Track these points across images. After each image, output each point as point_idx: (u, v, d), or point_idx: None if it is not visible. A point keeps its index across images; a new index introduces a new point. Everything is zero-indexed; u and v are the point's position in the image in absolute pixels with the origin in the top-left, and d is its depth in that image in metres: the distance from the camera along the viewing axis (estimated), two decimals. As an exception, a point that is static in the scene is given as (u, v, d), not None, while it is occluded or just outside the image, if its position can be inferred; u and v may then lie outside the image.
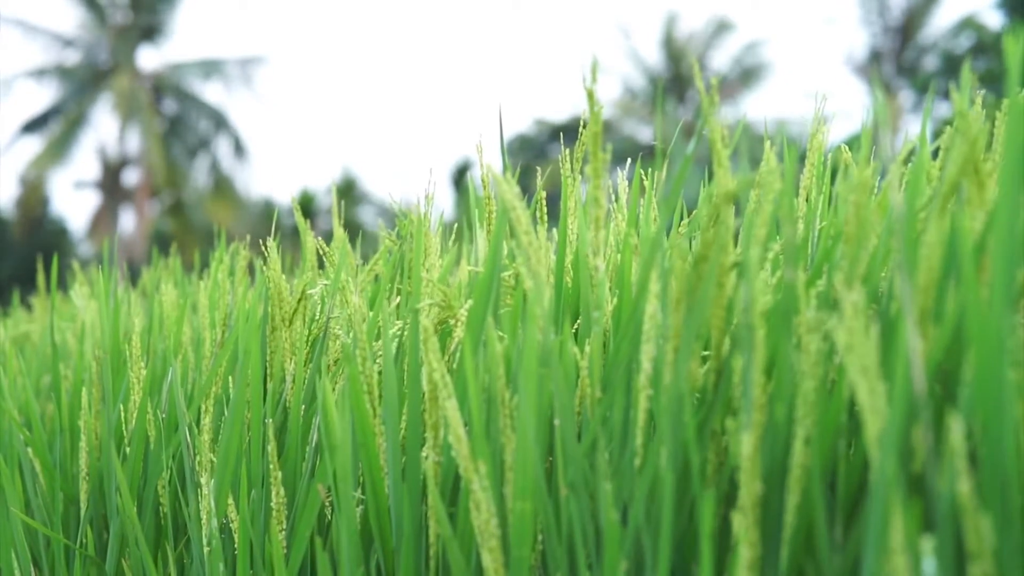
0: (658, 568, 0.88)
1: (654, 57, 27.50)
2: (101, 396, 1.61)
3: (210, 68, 24.94)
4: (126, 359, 1.63)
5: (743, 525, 0.81)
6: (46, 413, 2.03)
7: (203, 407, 1.41)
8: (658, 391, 0.90)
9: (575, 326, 1.18)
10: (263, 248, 1.47)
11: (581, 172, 1.28)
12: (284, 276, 1.44)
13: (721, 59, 27.14)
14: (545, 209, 1.31)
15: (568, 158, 1.29)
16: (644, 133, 25.41)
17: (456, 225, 1.77)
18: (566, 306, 1.20)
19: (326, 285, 1.47)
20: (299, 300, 1.42)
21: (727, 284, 0.90)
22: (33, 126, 24.09)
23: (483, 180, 1.35)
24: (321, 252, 1.57)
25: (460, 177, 26.40)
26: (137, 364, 1.58)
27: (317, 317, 1.47)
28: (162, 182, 23.80)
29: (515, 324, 1.11)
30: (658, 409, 0.90)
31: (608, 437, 0.97)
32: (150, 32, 24.75)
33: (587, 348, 1.01)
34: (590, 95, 1.00)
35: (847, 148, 1.26)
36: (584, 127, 1.22)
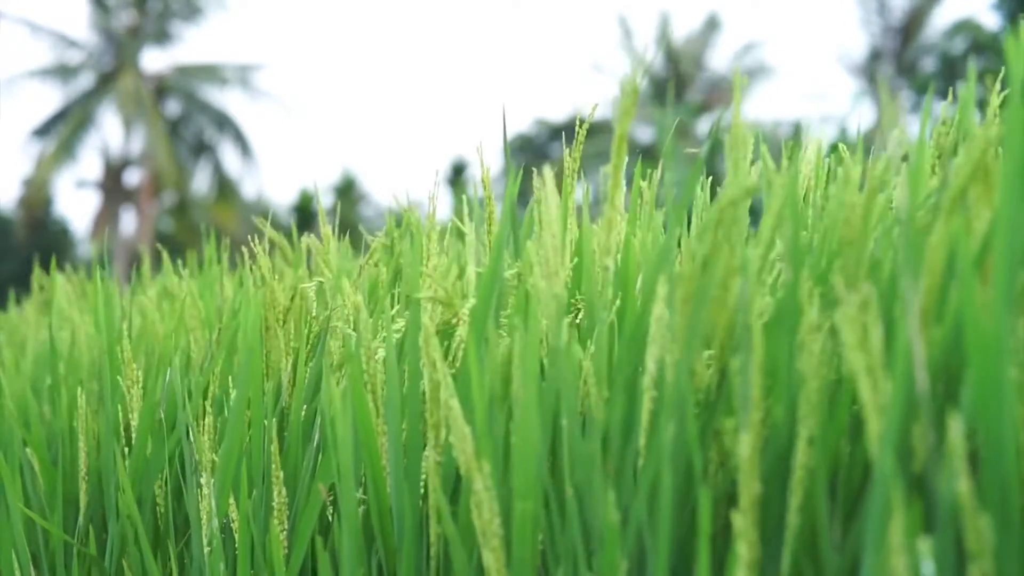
0: (658, 568, 0.88)
1: (653, 57, 27.47)
2: (99, 396, 1.61)
3: (212, 72, 24.93)
4: (123, 359, 1.63)
5: (742, 525, 0.81)
6: (43, 413, 2.02)
7: (202, 407, 1.41)
8: (662, 392, 0.90)
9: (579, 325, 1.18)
10: (261, 248, 1.47)
11: (581, 172, 1.28)
12: (276, 276, 1.44)
13: (719, 60, 27.13)
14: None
15: (572, 157, 1.28)
16: (642, 133, 25.39)
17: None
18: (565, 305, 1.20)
19: (320, 283, 1.46)
20: (292, 299, 1.42)
21: (733, 286, 0.90)
22: (43, 130, 24.05)
23: (483, 180, 1.35)
24: (314, 252, 1.56)
25: (456, 177, 26.36)
26: (131, 365, 1.58)
27: (316, 316, 1.46)
28: (164, 183, 23.77)
29: (524, 322, 1.11)
30: (661, 409, 0.90)
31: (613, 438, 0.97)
32: (158, 35, 24.75)
33: (590, 348, 1.01)
34: (630, 92, 0.99)
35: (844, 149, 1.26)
36: (580, 126, 1.23)
